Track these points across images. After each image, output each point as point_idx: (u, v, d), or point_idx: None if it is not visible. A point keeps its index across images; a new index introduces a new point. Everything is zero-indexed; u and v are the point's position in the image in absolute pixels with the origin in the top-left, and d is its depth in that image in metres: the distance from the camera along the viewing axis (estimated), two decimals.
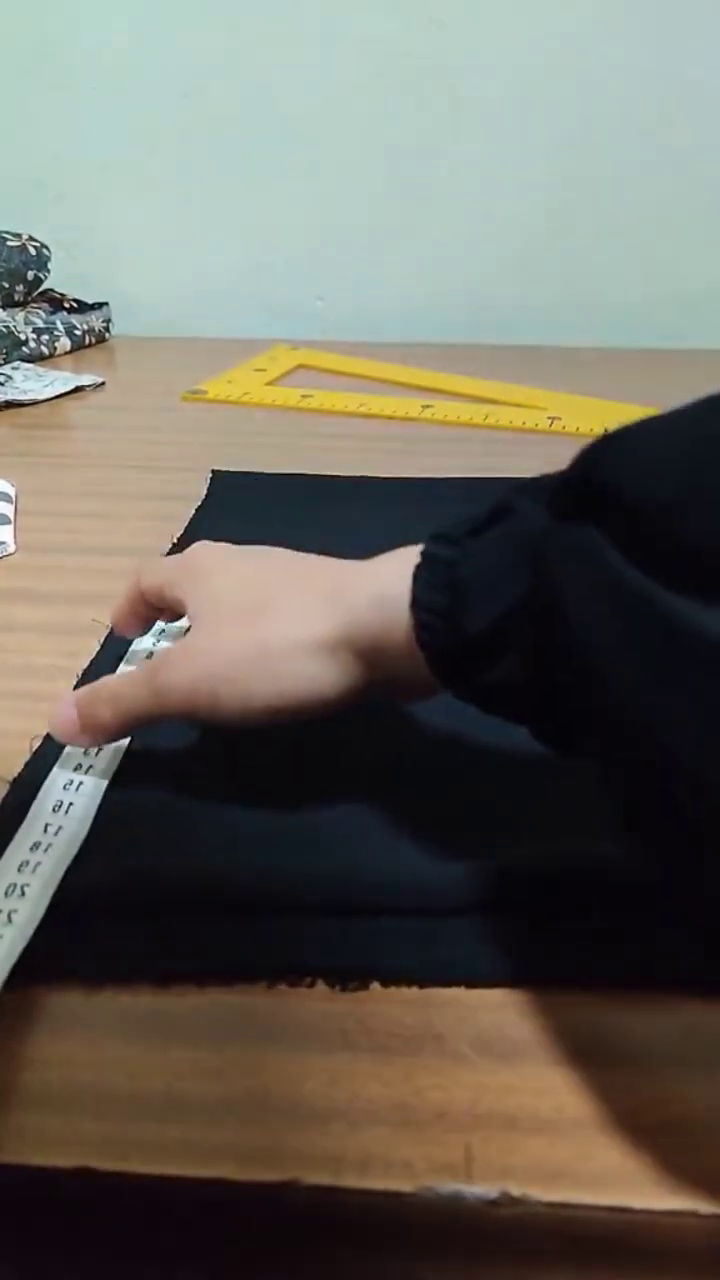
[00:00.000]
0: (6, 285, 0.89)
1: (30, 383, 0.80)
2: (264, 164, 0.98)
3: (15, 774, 0.33)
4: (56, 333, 0.90)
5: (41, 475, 0.62)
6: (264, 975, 0.26)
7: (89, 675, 0.39)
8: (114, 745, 0.34)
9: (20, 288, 0.91)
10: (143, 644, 0.40)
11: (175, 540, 0.52)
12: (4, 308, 0.89)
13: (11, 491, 0.57)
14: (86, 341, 0.94)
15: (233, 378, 0.84)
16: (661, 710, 0.19)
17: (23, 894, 0.27)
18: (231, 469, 0.62)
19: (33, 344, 0.87)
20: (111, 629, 0.41)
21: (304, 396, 0.78)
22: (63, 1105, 0.23)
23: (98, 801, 0.32)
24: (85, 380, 0.81)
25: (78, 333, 0.93)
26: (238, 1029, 0.25)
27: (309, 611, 0.29)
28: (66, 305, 0.95)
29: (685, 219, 0.96)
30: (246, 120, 0.96)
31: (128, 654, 0.40)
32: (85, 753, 0.34)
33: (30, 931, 0.26)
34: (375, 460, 0.63)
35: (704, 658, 0.18)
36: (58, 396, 0.78)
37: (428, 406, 0.76)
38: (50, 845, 0.29)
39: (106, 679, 0.34)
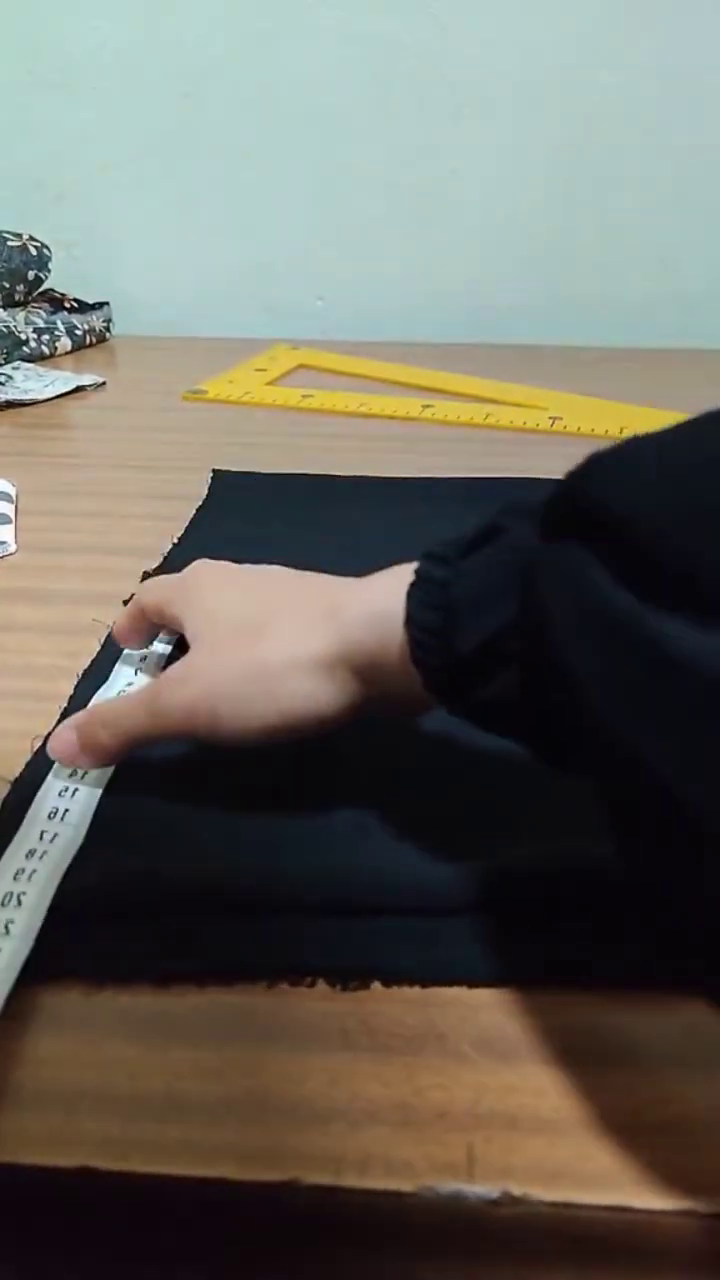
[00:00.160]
0: (7, 285, 0.89)
1: (31, 382, 0.80)
2: (264, 164, 0.98)
3: (16, 774, 0.33)
4: (57, 332, 0.90)
5: (42, 475, 0.62)
6: (264, 975, 0.26)
7: (89, 675, 0.39)
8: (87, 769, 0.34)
9: (21, 288, 0.91)
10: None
11: (175, 540, 0.52)
12: (4, 308, 0.89)
13: (12, 491, 0.57)
14: (87, 341, 0.94)
15: (233, 377, 0.84)
16: (646, 731, 0.19)
17: (19, 903, 0.27)
18: (232, 469, 0.62)
19: (33, 344, 0.87)
20: (111, 628, 0.42)
21: (304, 396, 0.78)
22: (63, 1105, 0.23)
23: (94, 807, 0.32)
24: (86, 380, 0.81)
25: (78, 332, 0.93)
26: (238, 1029, 0.25)
27: (306, 630, 0.30)
28: (67, 305, 0.95)
29: (685, 219, 0.96)
30: (246, 120, 0.97)
31: (124, 654, 0.40)
32: (71, 775, 0.33)
33: (30, 942, 0.26)
34: (375, 460, 0.63)
35: (689, 682, 0.18)
36: (58, 396, 0.78)
37: (428, 406, 0.76)
38: (46, 853, 0.29)
39: (104, 702, 0.34)
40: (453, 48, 0.92)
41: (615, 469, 0.21)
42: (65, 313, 0.94)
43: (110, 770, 0.33)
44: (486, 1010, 0.25)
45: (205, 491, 0.59)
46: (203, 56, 0.95)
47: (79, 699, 0.38)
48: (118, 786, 0.33)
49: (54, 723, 0.36)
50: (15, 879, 0.28)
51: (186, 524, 0.54)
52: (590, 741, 0.21)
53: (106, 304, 0.98)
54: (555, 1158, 0.22)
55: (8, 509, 0.55)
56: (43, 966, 0.26)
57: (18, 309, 0.91)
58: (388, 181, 0.98)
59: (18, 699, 0.38)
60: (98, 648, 0.41)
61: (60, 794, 0.32)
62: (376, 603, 0.28)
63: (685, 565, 0.18)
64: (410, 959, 0.27)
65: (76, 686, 0.39)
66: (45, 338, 0.89)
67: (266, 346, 0.94)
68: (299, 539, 0.51)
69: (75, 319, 0.93)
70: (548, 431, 0.71)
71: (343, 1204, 0.21)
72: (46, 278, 0.93)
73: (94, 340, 0.95)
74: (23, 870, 0.28)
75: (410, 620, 0.27)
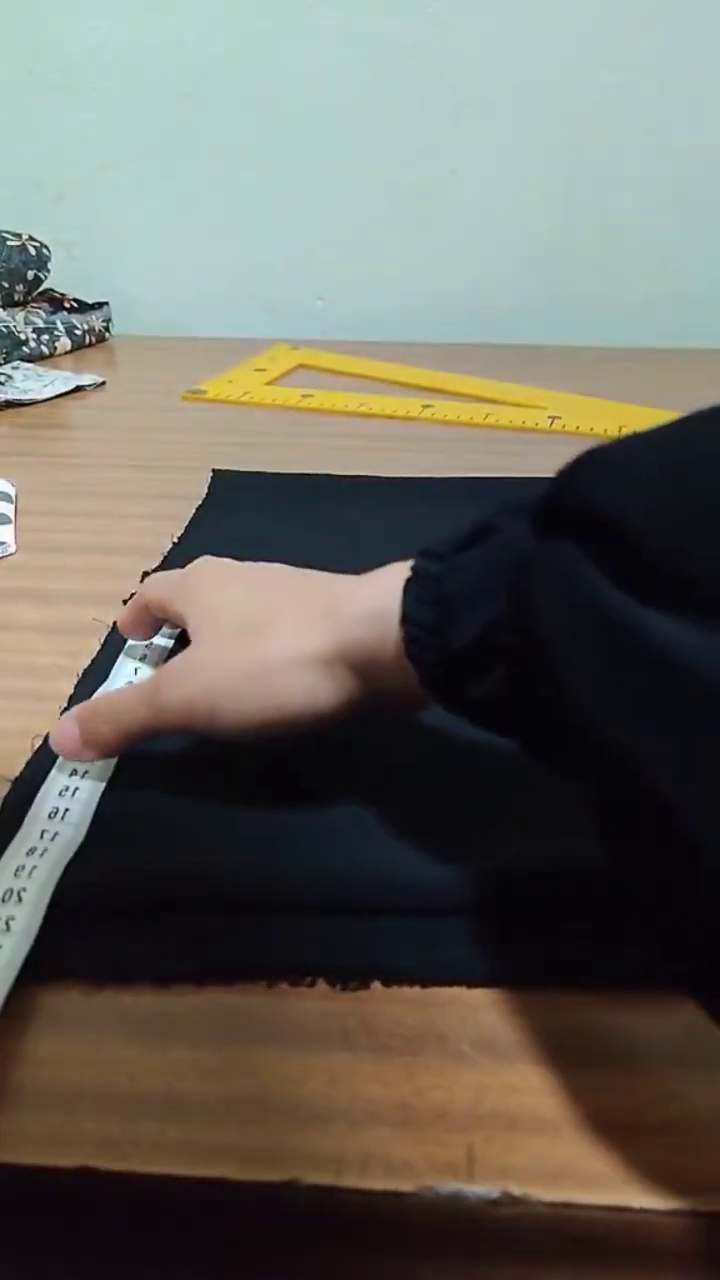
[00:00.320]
0: (6, 285, 0.89)
1: (30, 382, 0.80)
2: (264, 164, 0.98)
3: (16, 773, 0.33)
4: (57, 332, 0.90)
5: (42, 475, 0.62)
6: (264, 975, 0.26)
7: (90, 674, 0.39)
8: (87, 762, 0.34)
9: (20, 287, 0.91)
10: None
11: (175, 540, 0.52)
12: (4, 307, 0.89)
13: (12, 491, 0.57)
14: (87, 341, 0.94)
15: (233, 377, 0.84)
16: (635, 730, 0.19)
17: (20, 899, 0.27)
18: (232, 468, 0.62)
19: (33, 344, 0.87)
20: (112, 628, 0.42)
21: (304, 396, 0.78)
22: (63, 1105, 0.23)
23: (94, 806, 0.32)
24: (85, 380, 0.81)
25: (78, 332, 0.93)
26: (238, 1029, 0.25)
27: (305, 628, 0.30)
28: (67, 305, 0.95)
29: (685, 219, 0.96)
30: (246, 120, 0.97)
31: (126, 647, 0.40)
32: (73, 772, 0.33)
33: (31, 939, 0.26)
34: (375, 460, 0.63)
35: (679, 681, 0.18)
36: (58, 396, 0.78)
37: (428, 406, 0.76)
38: (46, 850, 0.29)
39: (105, 695, 0.35)
40: (453, 48, 0.92)
41: (605, 467, 0.21)
42: (65, 313, 0.94)
43: (111, 769, 0.33)
44: (486, 1010, 0.25)
45: (205, 491, 0.59)
46: (203, 56, 0.95)
47: (79, 698, 0.38)
48: (119, 785, 0.33)
49: (54, 722, 0.36)
50: (16, 875, 0.28)
51: (186, 523, 0.54)
52: (578, 740, 0.21)
53: (106, 304, 0.98)
54: (555, 1158, 0.22)
55: (7, 509, 0.55)
56: (43, 966, 0.26)
57: (17, 309, 0.91)
58: (388, 181, 0.98)
59: (18, 698, 0.38)
60: (98, 647, 0.41)
61: (61, 793, 0.32)
62: (374, 600, 0.29)
63: (676, 564, 0.18)
64: (410, 959, 0.27)
65: (77, 686, 0.39)
66: (45, 338, 0.89)
67: (266, 346, 0.94)
68: (299, 539, 0.51)
69: (75, 319, 0.93)
70: (547, 431, 0.71)
71: (343, 1204, 0.21)
72: (46, 278, 0.93)
73: (94, 340, 0.95)
74: (23, 867, 0.28)
75: (406, 616, 0.27)
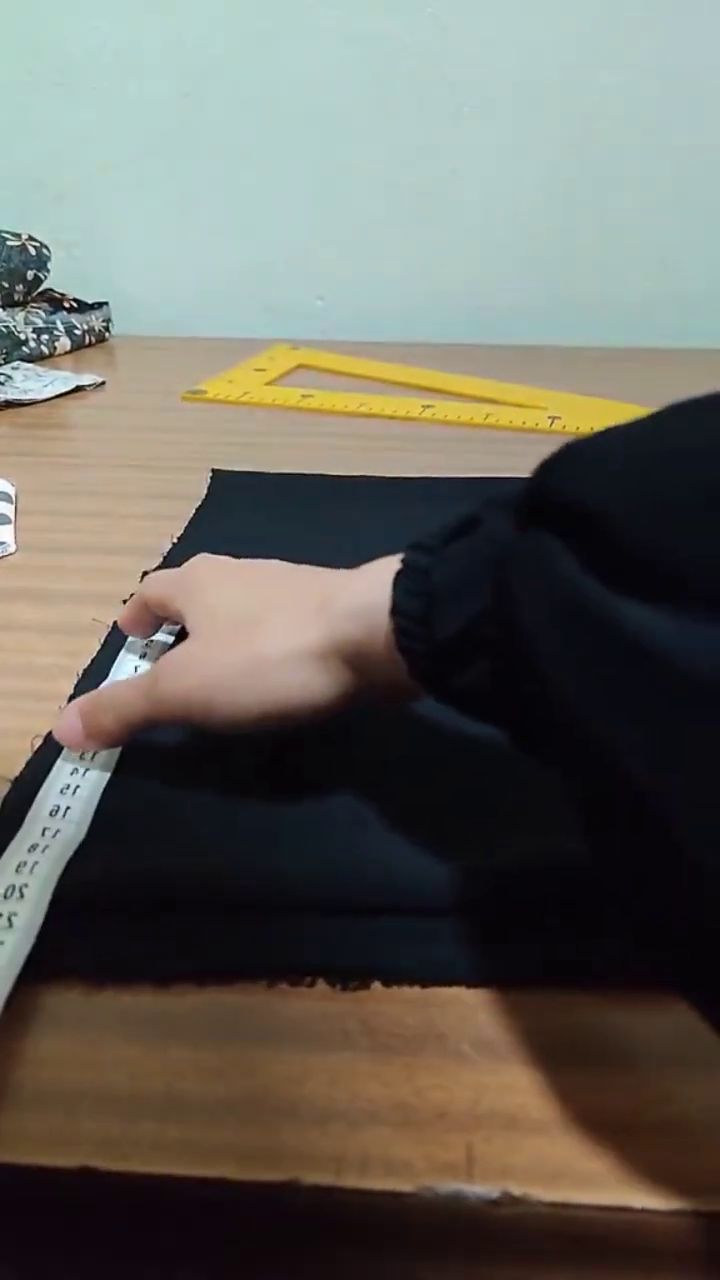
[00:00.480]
0: (6, 285, 0.89)
1: (30, 382, 0.80)
2: (264, 164, 0.98)
3: (16, 773, 0.33)
4: (56, 332, 0.90)
5: (41, 475, 0.62)
6: (264, 975, 0.26)
7: (90, 674, 0.39)
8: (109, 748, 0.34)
9: (20, 287, 0.91)
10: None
11: (175, 539, 0.52)
12: (4, 307, 0.89)
13: (11, 491, 0.57)
14: (86, 341, 0.94)
15: (233, 377, 0.84)
16: (612, 720, 0.19)
17: (21, 895, 0.27)
18: (232, 468, 0.62)
19: (33, 344, 0.87)
20: (112, 628, 0.42)
21: (304, 396, 0.78)
22: (63, 1105, 0.23)
23: (95, 804, 0.32)
24: (85, 380, 0.81)
25: (78, 332, 0.93)
26: (238, 1028, 0.25)
27: (299, 622, 0.31)
28: (66, 305, 0.95)
29: (685, 219, 0.96)
30: (246, 120, 0.97)
31: (128, 641, 0.41)
32: (81, 756, 0.34)
33: (33, 936, 0.26)
34: (375, 460, 0.63)
35: (655, 670, 0.18)
36: (58, 396, 0.78)
37: (428, 406, 0.76)
38: (47, 847, 0.29)
39: (108, 686, 0.35)
40: (453, 48, 0.92)
41: (581, 460, 0.21)
42: (65, 312, 0.94)
43: (113, 767, 0.34)
44: (486, 1010, 0.25)
45: (205, 491, 0.59)
46: (203, 56, 0.95)
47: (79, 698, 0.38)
48: (119, 784, 0.33)
49: (54, 721, 0.36)
50: (18, 871, 0.28)
51: (186, 523, 0.54)
52: (559, 731, 0.21)
53: (106, 304, 0.98)
54: (555, 1157, 0.22)
55: (7, 509, 0.55)
56: (43, 965, 0.26)
57: (17, 309, 0.91)
58: (388, 181, 0.97)
59: (18, 698, 0.38)
60: (98, 647, 0.41)
61: (63, 791, 0.32)
62: (365, 593, 0.29)
63: (649, 553, 0.18)
64: (410, 959, 0.27)
65: (77, 685, 0.39)
66: (45, 337, 0.89)
67: (266, 346, 0.94)
68: (299, 539, 0.51)
69: (75, 319, 0.93)
70: (547, 431, 0.71)
71: (342, 1204, 0.21)
72: (46, 278, 0.93)
73: (93, 340, 0.95)
74: (25, 864, 0.28)
75: (396, 608, 0.27)
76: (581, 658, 0.20)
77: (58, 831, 0.30)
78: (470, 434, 0.71)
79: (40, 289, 0.94)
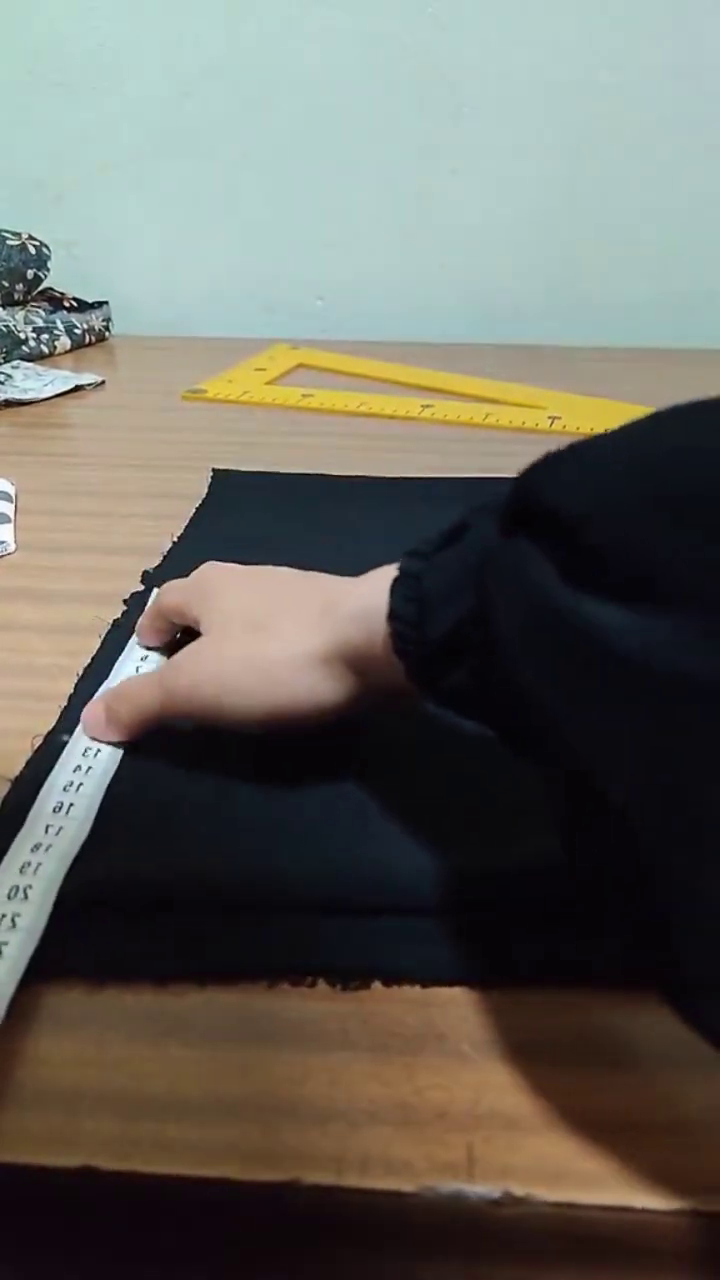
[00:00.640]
0: (6, 284, 0.89)
1: (30, 382, 0.79)
2: (264, 164, 0.98)
3: (16, 773, 0.33)
4: (56, 332, 0.90)
5: (41, 474, 0.62)
6: (265, 975, 0.26)
7: (90, 674, 0.39)
8: (112, 747, 0.35)
9: (20, 287, 0.91)
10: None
11: (176, 539, 0.52)
12: (4, 307, 0.89)
13: (11, 491, 0.57)
14: (86, 340, 0.94)
15: (233, 377, 0.84)
16: (576, 720, 0.19)
17: (26, 896, 0.27)
18: (232, 468, 0.62)
19: (33, 343, 0.87)
20: (111, 627, 0.42)
21: (304, 396, 0.78)
22: (64, 1105, 0.23)
23: (98, 801, 0.32)
24: (85, 379, 0.81)
25: (78, 332, 0.93)
26: (239, 1029, 0.25)
27: (305, 628, 0.32)
28: (66, 304, 0.95)
29: (685, 219, 0.96)
30: (246, 120, 0.96)
31: (126, 647, 0.41)
32: (84, 754, 0.34)
33: (37, 936, 0.26)
34: (375, 460, 0.63)
35: (616, 670, 0.18)
36: (58, 395, 0.78)
37: (428, 406, 0.76)
38: (51, 846, 0.29)
39: (128, 679, 0.37)
40: (453, 48, 0.92)
41: (561, 467, 0.22)
42: (64, 312, 0.94)
43: (115, 766, 0.34)
44: (487, 1010, 0.25)
45: (205, 491, 0.59)
46: (203, 56, 0.95)
47: (80, 698, 0.38)
48: (120, 785, 0.33)
49: (55, 721, 0.36)
50: (21, 872, 0.28)
51: (186, 523, 0.54)
52: (536, 732, 0.22)
53: (106, 303, 0.97)
54: (556, 1157, 0.22)
55: (7, 508, 0.55)
56: (44, 965, 0.26)
57: (17, 308, 0.91)
58: (388, 181, 0.97)
59: (18, 698, 0.38)
60: (98, 647, 0.41)
61: (65, 789, 0.32)
62: (365, 599, 0.29)
63: (620, 557, 0.19)
64: (410, 959, 0.27)
65: (77, 685, 0.39)
66: (44, 337, 0.89)
67: (266, 346, 0.94)
68: (299, 538, 0.51)
69: (75, 318, 0.93)
70: (547, 431, 0.71)
71: (343, 1204, 0.21)
72: (46, 277, 0.93)
73: (93, 339, 0.95)
74: (28, 864, 0.28)
75: (392, 613, 0.28)
76: (552, 662, 0.20)
77: (61, 829, 0.30)
78: (470, 434, 0.71)
79: (40, 288, 0.94)
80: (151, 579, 0.47)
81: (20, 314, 0.89)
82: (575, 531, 0.20)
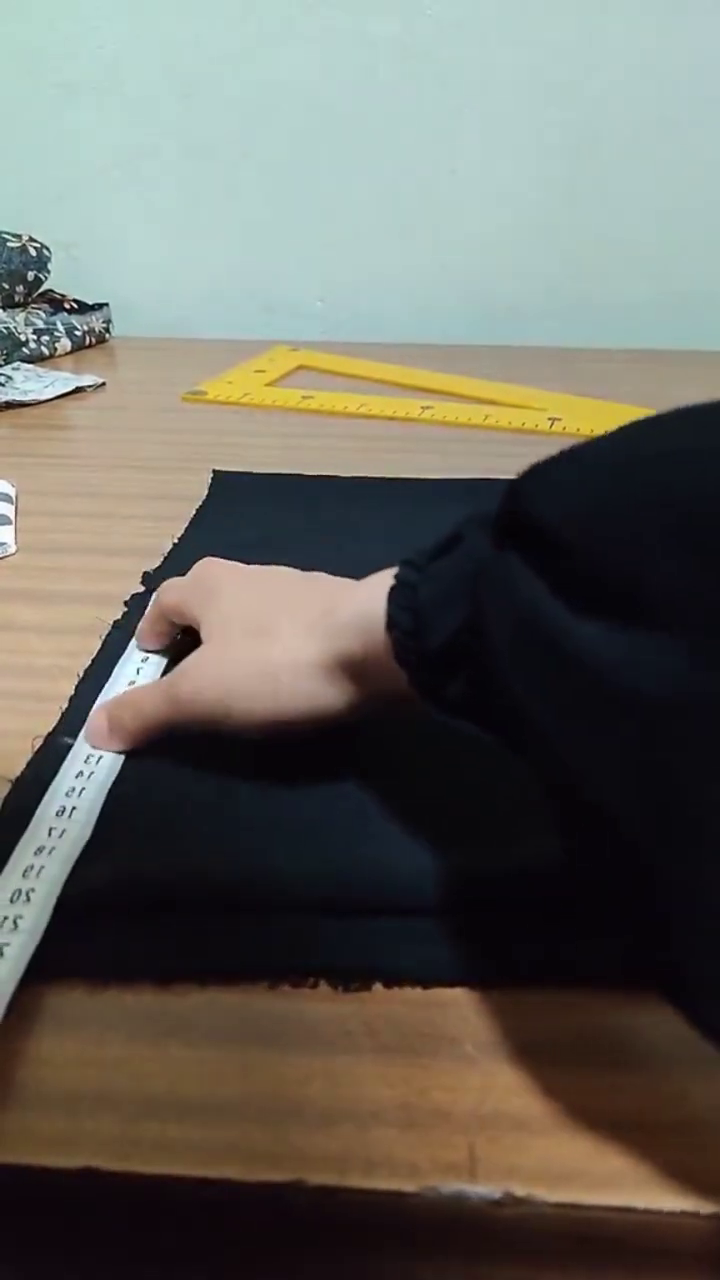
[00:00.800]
0: (7, 286, 0.89)
1: (30, 383, 0.79)
2: (264, 164, 0.98)
3: (17, 774, 0.33)
4: (57, 333, 0.90)
5: (42, 475, 0.62)
6: (266, 976, 0.26)
7: (90, 675, 0.39)
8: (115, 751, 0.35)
9: (20, 288, 0.91)
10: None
11: (176, 540, 0.52)
12: (4, 308, 0.89)
13: (12, 491, 0.57)
14: (87, 342, 0.94)
15: (233, 378, 0.84)
16: (563, 733, 0.20)
17: (28, 899, 0.27)
18: (232, 469, 0.62)
19: (33, 345, 0.87)
20: (112, 628, 0.42)
21: (304, 397, 0.78)
22: (65, 1105, 0.23)
23: (100, 804, 0.32)
24: (85, 381, 0.81)
25: (78, 333, 0.93)
26: (240, 1029, 0.25)
27: (305, 634, 0.32)
28: (67, 306, 0.95)
29: (685, 219, 0.96)
30: (246, 120, 0.97)
31: (126, 649, 0.40)
32: (86, 759, 0.34)
33: (38, 937, 0.26)
34: (375, 460, 0.63)
35: (599, 686, 0.18)
36: (58, 397, 0.78)
37: (428, 407, 0.76)
38: (54, 849, 0.29)
39: (131, 689, 0.37)
40: (453, 48, 0.92)
41: (546, 480, 0.22)
42: (65, 313, 0.94)
43: (118, 766, 0.34)
44: (488, 1010, 0.25)
45: (205, 492, 0.59)
46: (203, 57, 0.95)
47: (80, 699, 0.38)
48: (122, 786, 0.33)
49: (54, 722, 0.36)
50: (24, 875, 0.28)
51: (187, 524, 0.54)
52: (528, 742, 0.22)
53: (106, 305, 0.98)
54: (558, 1158, 0.22)
55: (7, 510, 0.55)
56: (46, 965, 0.26)
57: (17, 310, 0.91)
58: (388, 181, 0.98)
59: (18, 699, 0.38)
60: (98, 647, 0.41)
61: (68, 793, 0.32)
62: (364, 605, 0.29)
63: (604, 573, 0.19)
64: (411, 959, 0.26)
65: (77, 686, 0.39)
66: (45, 339, 0.89)
67: (266, 348, 0.94)
68: (299, 539, 0.51)
69: (75, 320, 0.93)
70: (547, 433, 0.71)
71: (346, 1204, 0.21)
72: (46, 278, 0.93)
73: (94, 341, 0.95)
74: (31, 867, 0.28)
75: (390, 622, 0.28)
76: (541, 677, 0.20)
77: (64, 832, 0.30)
78: (470, 435, 0.71)
79: (40, 290, 0.94)
80: (152, 580, 0.47)
81: (21, 316, 0.89)
82: (563, 548, 0.20)
